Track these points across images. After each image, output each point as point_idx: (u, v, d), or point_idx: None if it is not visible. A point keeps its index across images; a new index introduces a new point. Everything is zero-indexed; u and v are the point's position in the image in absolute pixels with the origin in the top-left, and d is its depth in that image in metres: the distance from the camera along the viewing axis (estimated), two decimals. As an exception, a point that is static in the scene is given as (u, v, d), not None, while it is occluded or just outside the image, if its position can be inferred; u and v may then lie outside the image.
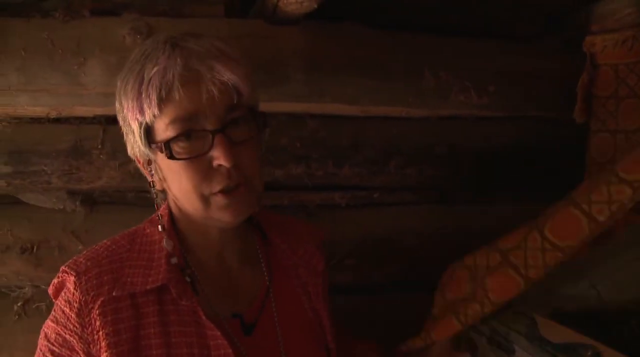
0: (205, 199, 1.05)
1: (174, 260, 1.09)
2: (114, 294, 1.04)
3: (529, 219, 1.42)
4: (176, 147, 1.01)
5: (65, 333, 1.04)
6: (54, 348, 1.05)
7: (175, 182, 1.06)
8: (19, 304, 1.58)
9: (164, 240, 1.11)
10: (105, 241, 1.15)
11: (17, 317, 1.57)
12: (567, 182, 1.65)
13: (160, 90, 0.99)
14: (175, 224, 1.16)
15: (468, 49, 1.60)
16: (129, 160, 1.46)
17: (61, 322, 1.05)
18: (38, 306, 1.58)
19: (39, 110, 1.42)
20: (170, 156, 1.01)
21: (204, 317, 1.06)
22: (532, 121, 1.70)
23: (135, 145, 1.08)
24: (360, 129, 1.60)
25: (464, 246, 1.65)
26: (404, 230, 1.69)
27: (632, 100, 1.49)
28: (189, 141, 1.02)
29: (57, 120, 1.48)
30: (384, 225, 1.67)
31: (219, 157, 1.01)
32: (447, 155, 1.65)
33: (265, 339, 1.13)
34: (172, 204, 1.16)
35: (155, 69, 1.00)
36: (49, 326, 1.07)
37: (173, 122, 1.01)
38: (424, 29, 1.57)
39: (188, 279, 1.10)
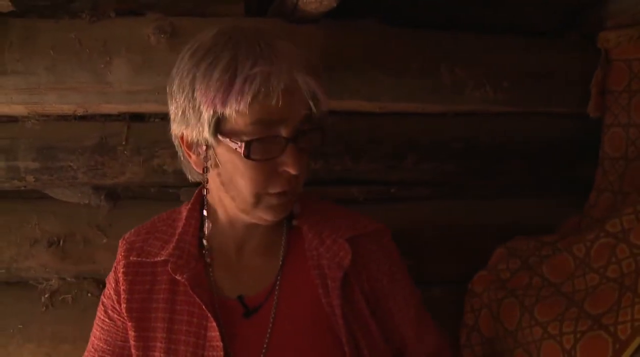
0: (258, 198, 1.10)
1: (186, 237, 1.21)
2: (131, 258, 1.21)
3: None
4: (253, 148, 1.03)
5: (109, 287, 1.26)
6: (104, 299, 1.27)
7: (236, 176, 1.09)
8: (46, 296, 1.63)
9: (204, 214, 1.22)
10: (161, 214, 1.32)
11: (44, 308, 1.63)
12: (582, 177, 1.69)
13: (258, 92, 1.00)
14: (206, 208, 1.23)
15: (483, 45, 1.61)
16: (152, 156, 1.52)
17: (109, 279, 1.26)
18: (64, 297, 1.63)
19: (66, 108, 1.47)
20: (248, 156, 1.03)
21: (191, 294, 1.14)
22: (548, 117, 1.71)
23: (193, 128, 1.07)
24: (377, 124, 1.62)
25: (480, 241, 1.69)
26: (420, 224, 1.71)
27: (644, 95, 1.52)
28: (264, 144, 1.04)
29: (83, 118, 1.53)
30: (401, 219, 1.69)
31: (288, 164, 1.06)
32: (463, 151, 1.66)
33: (260, 325, 1.16)
34: (210, 190, 1.19)
35: (256, 69, 1.00)
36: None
37: (256, 123, 1.03)
38: (440, 26, 1.59)
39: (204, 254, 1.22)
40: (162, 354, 1.15)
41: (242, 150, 1.03)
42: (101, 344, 1.27)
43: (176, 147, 1.17)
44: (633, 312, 1.22)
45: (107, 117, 1.54)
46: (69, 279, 1.64)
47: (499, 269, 1.58)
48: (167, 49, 1.42)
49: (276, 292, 1.19)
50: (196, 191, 1.28)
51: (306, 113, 1.07)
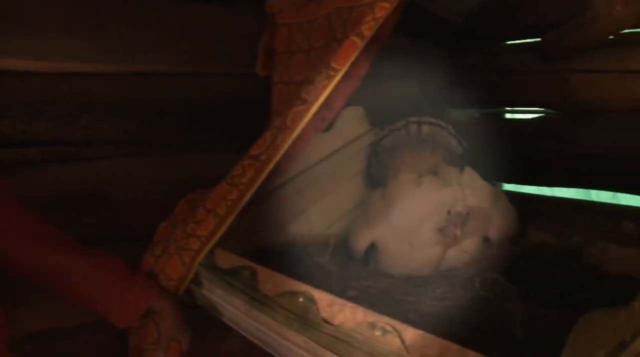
0: None
1: None
2: None
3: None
4: None
5: None
6: None
7: None
8: None
9: None
10: None
11: None
12: (259, 132, 1.84)
13: None
14: None
15: (155, 7, 1.69)
16: None
17: None
18: None
19: None
20: None
21: None
22: (223, 76, 1.84)
23: None
24: (50, 84, 1.62)
25: (167, 196, 1.77)
26: (106, 183, 1.75)
27: (300, 55, 1.69)
28: None
29: None
30: (84, 179, 1.72)
31: None
32: (142, 110, 1.73)
33: None
34: None
35: None
36: None
37: None
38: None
39: None
40: None
41: None
42: None
43: None
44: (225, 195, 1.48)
45: None
46: None
47: (178, 220, 1.68)
48: None
49: None
50: None
51: None
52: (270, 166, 1.40)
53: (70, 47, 1.57)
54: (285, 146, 1.38)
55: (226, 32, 1.79)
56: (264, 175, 1.42)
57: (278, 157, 1.39)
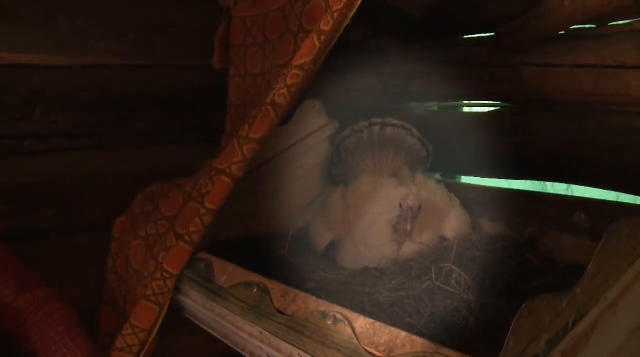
0: None
1: None
2: None
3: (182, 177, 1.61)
4: None
5: None
6: None
7: None
8: None
9: None
10: None
11: None
12: (217, 124, 1.83)
13: None
14: None
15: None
16: None
17: None
18: None
19: None
20: None
21: None
22: (176, 69, 1.83)
23: None
24: (1, 76, 1.60)
25: (125, 188, 1.76)
26: (61, 175, 1.73)
27: (255, 47, 1.69)
28: None
29: None
30: (39, 172, 1.71)
31: None
32: (95, 102, 1.72)
33: None
34: None
35: None
36: None
37: None
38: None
39: None
40: None
41: None
42: None
43: None
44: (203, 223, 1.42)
45: None
46: None
47: (135, 213, 1.66)
48: None
49: None
50: None
51: None
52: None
53: (18, 38, 1.55)
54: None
55: (178, 23, 1.77)
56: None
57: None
